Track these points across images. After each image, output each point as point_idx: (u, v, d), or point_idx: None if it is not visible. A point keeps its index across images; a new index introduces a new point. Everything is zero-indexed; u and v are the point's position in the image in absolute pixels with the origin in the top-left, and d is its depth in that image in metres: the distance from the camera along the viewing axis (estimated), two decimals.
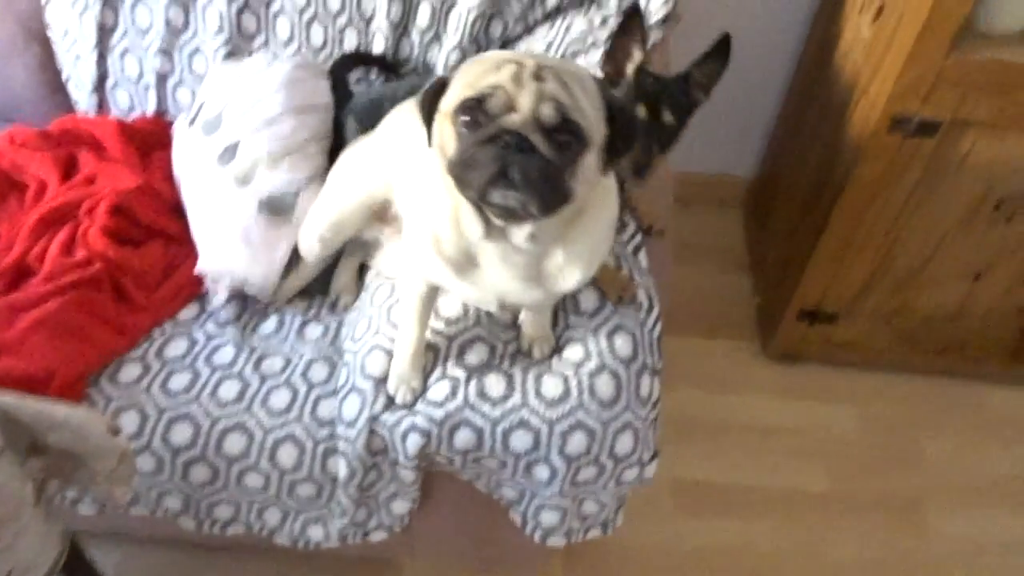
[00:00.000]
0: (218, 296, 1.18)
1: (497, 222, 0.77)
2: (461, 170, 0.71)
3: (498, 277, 0.85)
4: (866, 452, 1.68)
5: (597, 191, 0.81)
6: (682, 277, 1.94)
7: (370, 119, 1.22)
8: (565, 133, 0.68)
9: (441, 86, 0.74)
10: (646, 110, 0.97)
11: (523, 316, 1.03)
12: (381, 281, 1.17)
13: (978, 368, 1.75)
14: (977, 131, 1.32)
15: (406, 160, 1.02)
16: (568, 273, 0.86)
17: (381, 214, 1.14)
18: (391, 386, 1.01)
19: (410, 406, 1.01)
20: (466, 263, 0.85)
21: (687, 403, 1.72)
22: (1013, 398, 1.78)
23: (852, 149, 1.43)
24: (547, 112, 0.67)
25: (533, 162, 0.67)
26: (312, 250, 1.17)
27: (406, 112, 1.11)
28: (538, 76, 0.68)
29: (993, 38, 1.26)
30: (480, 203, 0.73)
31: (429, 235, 0.85)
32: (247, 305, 1.21)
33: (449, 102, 0.72)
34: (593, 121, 0.70)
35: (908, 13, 1.25)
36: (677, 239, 1.95)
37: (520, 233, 0.77)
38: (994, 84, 1.25)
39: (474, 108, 0.69)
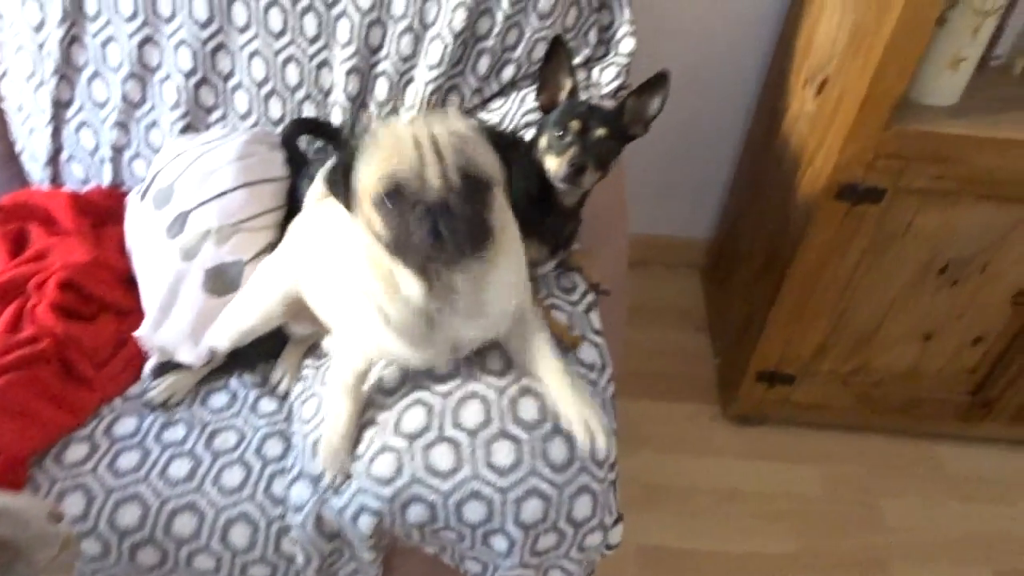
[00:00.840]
0: (148, 364, 1.16)
1: (442, 276, 0.84)
2: (400, 244, 0.79)
3: (450, 327, 0.90)
4: (830, 513, 1.68)
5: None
6: (642, 339, 1.96)
7: None
8: (474, 187, 0.78)
9: (346, 167, 0.81)
10: (578, 124, 1.01)
11: (552, 397, 0.97)
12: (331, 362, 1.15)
13: (934, 427, 1.78)
14: (919, 198, 1.37)
15: (316, 253, 1.04)
16: (505, 294, 0.92)
17: (304, 312, 1.13)
18: (321, 465, 0.99)
19: (337, 489, 0.99)
20: (417, 327, 0.88)
21: (650, 468, 1.71)
22: (968, 456, 1.80)
23: (802, 215, 1.46)
24: (454, 179, 0.77)
25: (457, 217, 0.77)
26: (226, 343, 1.15)
27: (308, 211, 1.17)
28: (436, 151, 0.77)
29: (929, 110, 1.31)
30: (424, 264, 0.81)
31: (372, 314, 0.87)
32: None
33: (366, 189, 0.79)
34: (490, 166, 0.80)
35: (848, 88, 1.31)
36: (637, 301, 1.97)
37: (463, 278, 0.85)
38: (931, 154, 1.30)
39: (392, 194, 0.77)
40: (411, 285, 0.84)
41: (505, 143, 0.84)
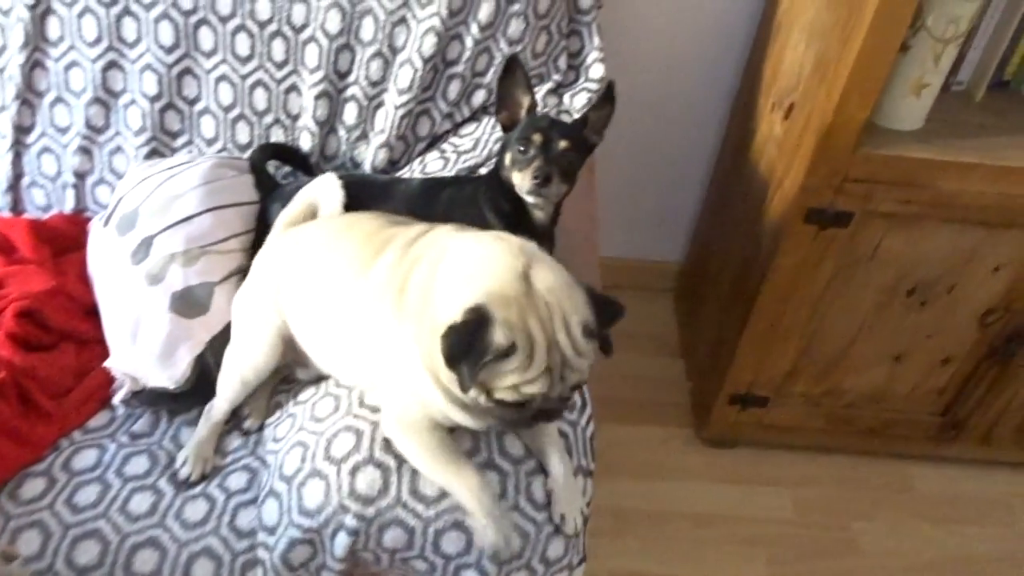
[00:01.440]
0: (119, 394, 1.13)
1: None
2: (499, 422, 0.89)
3: None
4: (803, 537, 1.68)
5: None
6: (615, 364, 1.93)
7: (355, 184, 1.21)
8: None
9: (480, 354, 0.79)
10: (540, 137, 1.03)
11: (549, 483, 0.99)
12: (304, 385, 1.14)
13: (905, 448, 1.79)
14: (886, 222, 1.38)
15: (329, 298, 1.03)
16: None
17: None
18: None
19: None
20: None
21: (623, 493, 1.70)
22: (939, 477, 1.81)
23: (772, 239, 1.47)
24: (567, 395, 0.85)
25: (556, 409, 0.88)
26: (231, 397, 1.10)
27: (276, 240, 1.14)
28: (562, 376, 0.84)
29: (894, 135, 1.33)
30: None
31: (435, 393, 0.90)
32: (162, 414, 1.16)
33: (495, 390, 0.82)
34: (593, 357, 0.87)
35: (815, 114, 1.32)
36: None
37: None
38: (897, 178, 1.32)
39: (518, 405, 0.83)
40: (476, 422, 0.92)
41: (608, 317, 0.91)
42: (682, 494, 1.73)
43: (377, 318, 0.95)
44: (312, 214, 1.17)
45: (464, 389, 0.81)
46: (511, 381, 0.81)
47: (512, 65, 1.07)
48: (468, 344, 0.78)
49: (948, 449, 1.76)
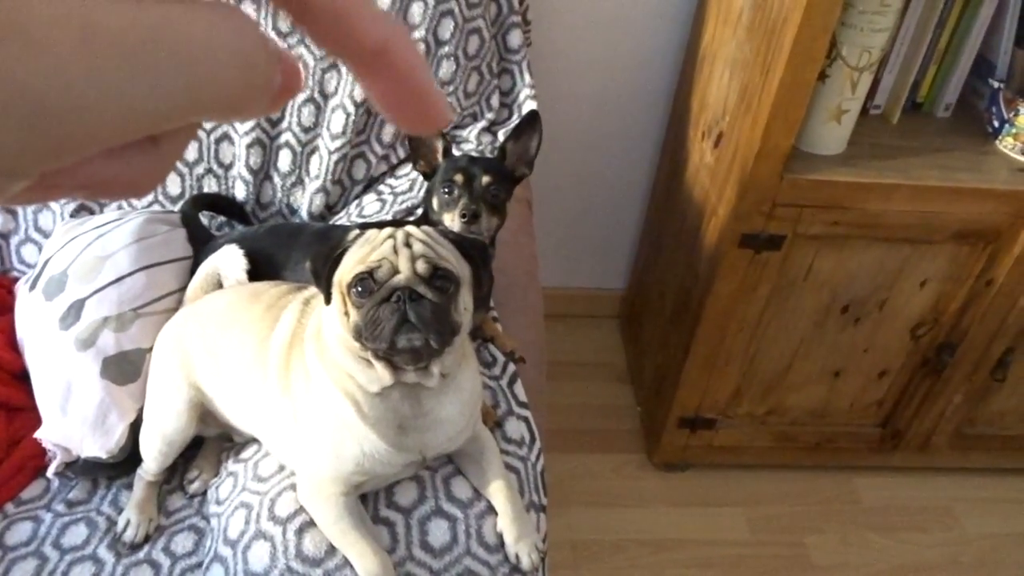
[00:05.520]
0: (51, 467, 1.08)
1: (408, 375, 0.85)
2: (368, 329, 0.81)
3: (417, 431, 0.90)
4: (758, 556, 1.70)
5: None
6: (564, 393, 1.96)
7: (261, 241, 1.20)
8: (440, 279, 0.83)
9: (335, 256, 0.85)
10: (462, 177, 1.03)
11: (499, 523, 0.97)
12: (245, 443, 1.11)
13: (850, 460, 1.83)
14: (816, 243, 1.42)
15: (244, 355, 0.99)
16: (467, 402, 0.94)
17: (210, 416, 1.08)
18: None
19: None
20: (390, 423, 0.88)
21: (579, 523, 1.70)
22: (883, 486, 1.86)
23: (709, 264, 1.50)
24: (422, 267, 0.82)
25: (424, 306, 0.81)
26: (157, 458, 1.06)
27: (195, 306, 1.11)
28: (407, 243, 0.83)
29: (819, 160, 1.38)
30: (389, 352, 0.83)
31: (347, 408, 0.87)
32: (100, 479, 1.12)
33: (343, 276, 0.83)
34: (456, 264, 0.85)
35: (742, 142, 1.36)
36: (556, 356, 1.98)
37: (432, 375, 0.86)
38: (824, 201, 1.36)
39: (366, 279, 0.82)
40: (381, 373, 0.85)
41: (470, 246, 0.88)
42: (638, 520, 1.74)
43: (281, 375, 0.95)
44: (216, 284, 1.16)
45: (327, 293, 0.85)
46: (359, 255, 0.83)
47: None
48: (325, 254, 0.85)
49: (890, 459, 1.81)
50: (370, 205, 1.38)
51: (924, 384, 1.66)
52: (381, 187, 1.41)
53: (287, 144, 1.37)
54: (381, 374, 0.85)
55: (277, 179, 1.39)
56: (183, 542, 1.05)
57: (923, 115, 1.55)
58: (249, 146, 1.36)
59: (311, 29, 0.23)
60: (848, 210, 1.37)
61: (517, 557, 0.97)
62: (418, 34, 1.33)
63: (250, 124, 1.34)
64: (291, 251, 1.17)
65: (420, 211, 1.32)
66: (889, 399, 1.70)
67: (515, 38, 1.45)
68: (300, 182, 1.40)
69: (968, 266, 1.47)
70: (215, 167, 1.37)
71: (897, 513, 1.81)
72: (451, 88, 1.38)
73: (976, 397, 1.68)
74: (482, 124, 1.44)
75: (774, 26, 1.25)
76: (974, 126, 1.52)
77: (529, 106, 1.45)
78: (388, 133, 1.39)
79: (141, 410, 1.08)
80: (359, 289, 0.82)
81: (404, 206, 1.35)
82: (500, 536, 0.97)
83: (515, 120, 1.46)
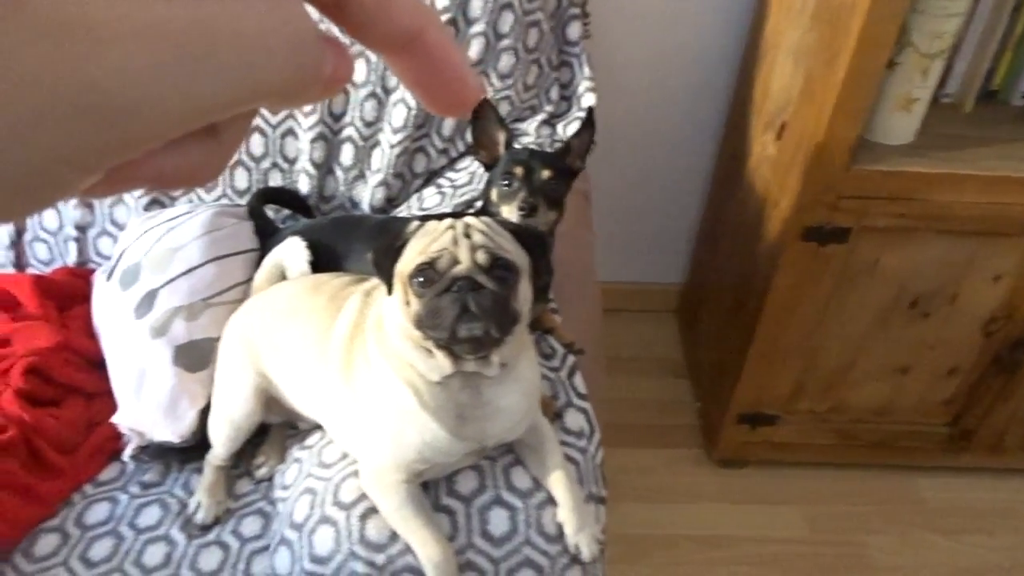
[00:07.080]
0: (127, 450, 1.13)
1: (468, 364, 0.85)
2: (429, 318, 0.82)
3: (476, 421, 0.90)
4: (817, 555, 1.67)
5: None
6: (620, 387, 1.96)
7: (323, 233, 1.22)
8: (500, 269, 0.83)
9: (396, 248, 0.86)
10: (522, 170, 1.04)
11: (559, 514, 0.98)
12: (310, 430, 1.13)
13: (914, 460, 1.78)
14: (883, 236, 1.39)
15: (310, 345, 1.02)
16: (527, 392, 0.94)
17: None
18: None
19: None
20: (450, 411, 0.89)
21: (634, 519, 1.69)
22: (950, 488, 1.80)
23: (769, 258, 1.48)
24: (482, 257, 0.82)
25: (485, 295, 0.81)
26: (225, 443, 1.10)
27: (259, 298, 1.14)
28: (467, 234, 0.84)
29: (886, 150, 1.34)
30: (450, 342, 0.83)
31: (408, 397, 0.89)
32: (173, 462, 1.16)
33: (405, 267, 0.84)
34: (515, 254, 0.86)
35: (806, 133, 1.33)
36: (613, 350, 1.97)
37: (492, 364, 0.87)
38: (891, 193, 1.33)
39: (427, 269, 0.82)
40: (441, 362, 0.86)
41: (529, 236, 0.89)
42: (695, 517, 1.72)
43: (343, 365, 0.97)
44: (281, 275, 1.19)
45: (388, 284, 0.86)
46: (420, 246, 0.84)
47: (481, 110, 1.08)
48: (387, 245, 0.87)
49: (957, 459, 1.76)
50: (430, 198, 1.39)
51: (996, 382, 1.60)
52: (441, 180, 1.43)
53: (349, 139, 1.40)
54: (441, 363, 0.86)
55: (340, 173, 1.42)
56: (251, 525, 1.08)
57: (997, 104, 1.50)
58: (313, 141, 1.38)
59: (347, 19, 0.23)
60: (916, 202, 1.34)
61: (577, 548, 0.97)
62: (478, 28, 1.34)
63: (314, 119, 1.37)
64: (352, 243, 1.19)
65: (479, 203, 1.34)
66: (959, 398, 1.65)
67: (574, 30, 1.45)
68: (362, 176, 1.42)
69: None
70: (280, 161, 1.41)
71: (963, 515, 1.76)
72: (510, 81, 1.39)
73: None
74: (541, 117, 1.44)
75: (840, 13, 1.23)
76: None
77: (588, 99, 1.45)
78: (448, 127, 1.41)
79: (210, 397, 1.12)
80: (420, 279, 0.83)
81: (464, 199, 1.36)
82: (559, 526, 0.98)
83: (575, 112, 1.46)
